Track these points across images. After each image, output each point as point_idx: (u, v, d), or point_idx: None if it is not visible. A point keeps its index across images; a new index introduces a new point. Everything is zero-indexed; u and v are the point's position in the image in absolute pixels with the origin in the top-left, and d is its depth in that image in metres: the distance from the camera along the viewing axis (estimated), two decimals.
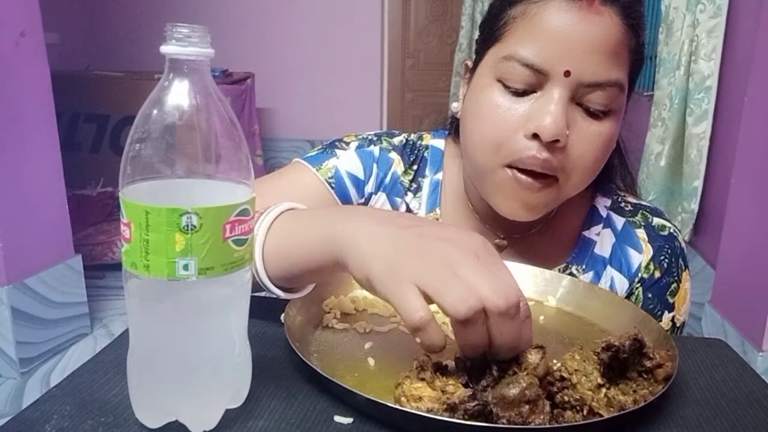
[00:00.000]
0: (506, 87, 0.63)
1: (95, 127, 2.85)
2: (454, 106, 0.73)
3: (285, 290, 0.55)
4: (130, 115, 0.39)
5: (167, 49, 0.39)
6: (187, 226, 0.37)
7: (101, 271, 2.36)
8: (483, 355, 0.45)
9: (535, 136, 0.61)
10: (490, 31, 0.67)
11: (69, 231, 1.95)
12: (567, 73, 0.60)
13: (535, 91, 0.63)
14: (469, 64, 0.72)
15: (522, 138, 0.62)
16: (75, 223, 2.01)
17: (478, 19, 3.81)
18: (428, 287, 0.42)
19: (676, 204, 2.86)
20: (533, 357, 0.44)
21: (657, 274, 0.73)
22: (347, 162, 0.76)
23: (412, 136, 0.81)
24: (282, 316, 0.52)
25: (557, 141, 0.61)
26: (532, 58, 0.61)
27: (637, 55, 0.66)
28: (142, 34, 3.41)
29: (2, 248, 1.68)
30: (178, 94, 0.39)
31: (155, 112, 0.39)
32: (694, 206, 2.73)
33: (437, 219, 0.77)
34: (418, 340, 0.43)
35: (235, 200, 0.40)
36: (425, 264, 0.44)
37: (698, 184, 2.71)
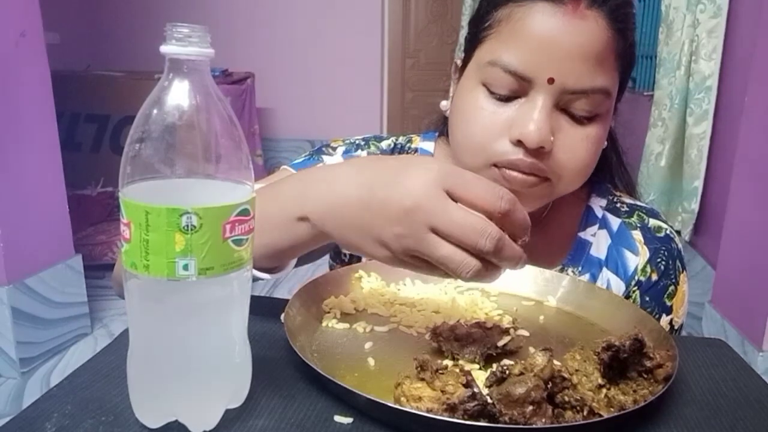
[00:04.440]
0: (491, 92, 0.63)
1: (95, 127, 2.85)
2: (443, 104, 0.73)
3: (265, 271, 0.56)
4: (131, 115, 0.39)
5: (167, 49, 0.39)
6: (187, 226, 0.37)
7: (101, 271, 2.36)
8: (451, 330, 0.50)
9: (520, 143, 0.61)
10: (477, 31, 0.66)
11: (69, 231, 1.95)
12: (551, 81, 0.60)
13: (520, 97, 0.62)
14: (458, 63, 0.71)
15: (507, 142, 0.62)
16: (75, 223, 2.01)
17: None
18: (429, 259, 0.46)
19: (677, 204, 2.87)
20: (540, 359, 0.44)
21: (654, 277, 0.72)
22: None
23: (401, 140, 0.80)
24: (282, 316, 0.52)
25: (542, 148, 0.61)
26: (516, 65, 0.61)
27: (627, 58, 0.65)
28: (142, 34, 3.40)
29: (2, 248, 1.68)
30: (178, 94, 0.39)
31: (155, 112, 0.39)
32: (695, 206, 2.73)
33: None
34: (494, 260, 0.46)
35: (235, 200, 0.40)
36: (406, 237, 0.46)
37: (698, 184, 2.71)
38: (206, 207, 0.38)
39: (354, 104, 4.01)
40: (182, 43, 0.38)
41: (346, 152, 0.78)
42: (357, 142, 0.79)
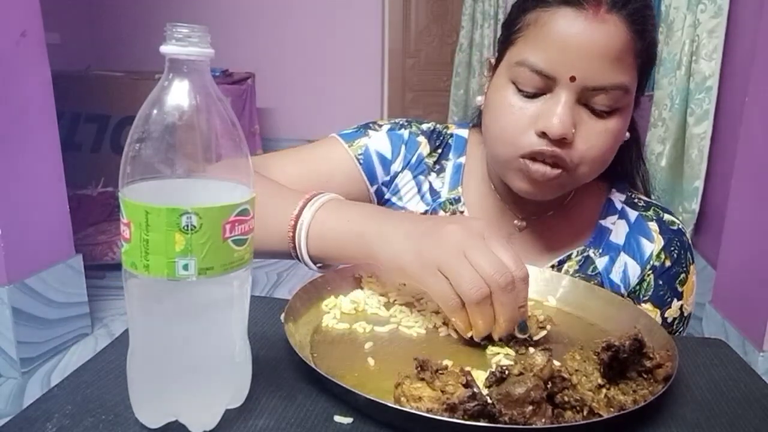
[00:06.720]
0: (519, 90, 0.69)
1: (96, 127, 2.85)
2: (478, 99, 0.79)
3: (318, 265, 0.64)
4: (131, 115, 0.39)
5: (167, 49, 0.39)
6: (187, 226, 0.37)
7: (102, 271, 2.36)
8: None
9: (544, 134, 0.67)
10: (509, 33, 0.72)
11: (69, 231, 1.95)
12: (572, 79, 0.65)
13: (545, 93, 0.68)
14: (492, 61, 0.77)
15: (533, 135, 0.68)
16: (75, 223, 2.00)
17: (479, 18, 3.81)
18: (448, 274, 0.52)
19: (677, 204, 2.86)
20: (539, 359, 0.44)
21: (667, 263, 0.78)
22: (378, 142, 0.84)
23: (438, 126, 0.88)
24: (282, 316, 0.53)
25: (564, 138, 0.66)
26: (541, 65, 0.66)
27: (646, 56, 0.70)
28: (142, 34, 3.41)
29: (3, 248, 1.68)
30: (178, 94, 0.39)
31: (155, 112, 0.39)
32: (695, 206, 2.73)
33: (459, 196, 0.83)
34: (453, 319, 0.54)
35: (235, 200, 0.40)
36: (443, 251, 0.52)
37: (699, 184, 2.71)
38: (206, 207, 0.38)
39: (354, 104, 4.01)
40: (182, 43, 0.38)
41: (390, 130, 0.85)
42: (401, 122, 0.87)
